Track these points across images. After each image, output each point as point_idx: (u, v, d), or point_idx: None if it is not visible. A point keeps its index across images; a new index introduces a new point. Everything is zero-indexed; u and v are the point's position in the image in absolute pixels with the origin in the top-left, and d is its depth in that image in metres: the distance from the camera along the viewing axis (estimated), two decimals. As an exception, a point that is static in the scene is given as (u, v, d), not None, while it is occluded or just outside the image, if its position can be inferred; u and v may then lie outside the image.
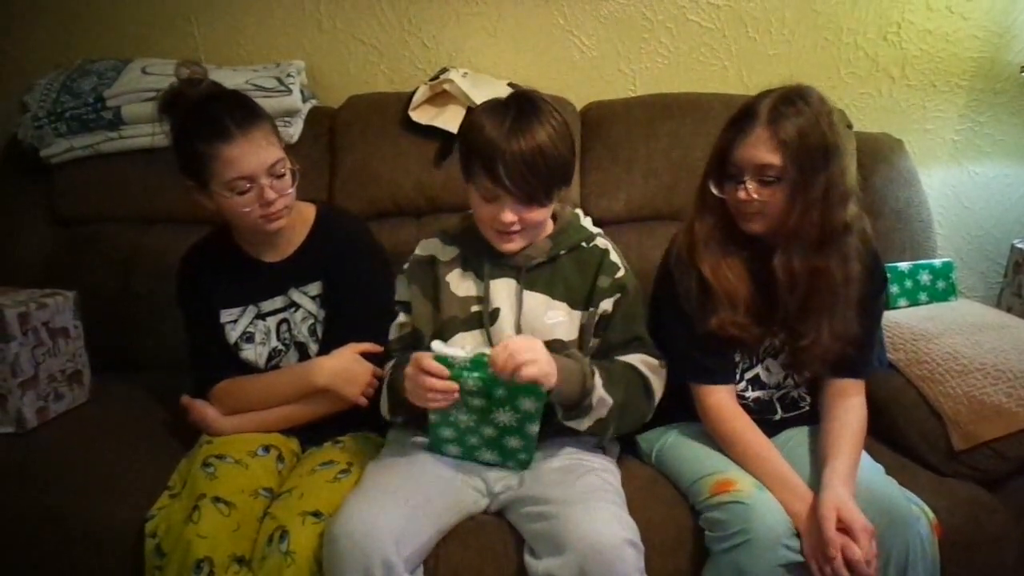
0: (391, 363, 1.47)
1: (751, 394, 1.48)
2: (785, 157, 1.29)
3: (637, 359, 1.42)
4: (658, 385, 1.43)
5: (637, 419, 1.43)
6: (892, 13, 2.14)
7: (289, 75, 2.01)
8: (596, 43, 2.18)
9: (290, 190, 1.47)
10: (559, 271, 1.45)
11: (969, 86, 2.20)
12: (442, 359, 1.25)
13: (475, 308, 1.43)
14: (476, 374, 1.25)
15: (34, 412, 1.62)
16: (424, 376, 1.25)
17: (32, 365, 1.61)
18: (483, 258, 1.44)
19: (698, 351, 1.42)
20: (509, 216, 1.35)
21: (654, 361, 1.43)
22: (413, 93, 1.99)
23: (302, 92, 2.02)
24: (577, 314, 1.44)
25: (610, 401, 1.34)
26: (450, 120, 1.94)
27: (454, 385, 1.25)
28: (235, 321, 1.56)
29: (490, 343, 1.40)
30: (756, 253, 1.39)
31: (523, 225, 1.38)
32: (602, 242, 1.49)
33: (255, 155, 1.41)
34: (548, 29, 2.17)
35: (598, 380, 1.33)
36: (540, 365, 1.22)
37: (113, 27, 2.18)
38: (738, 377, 1.47)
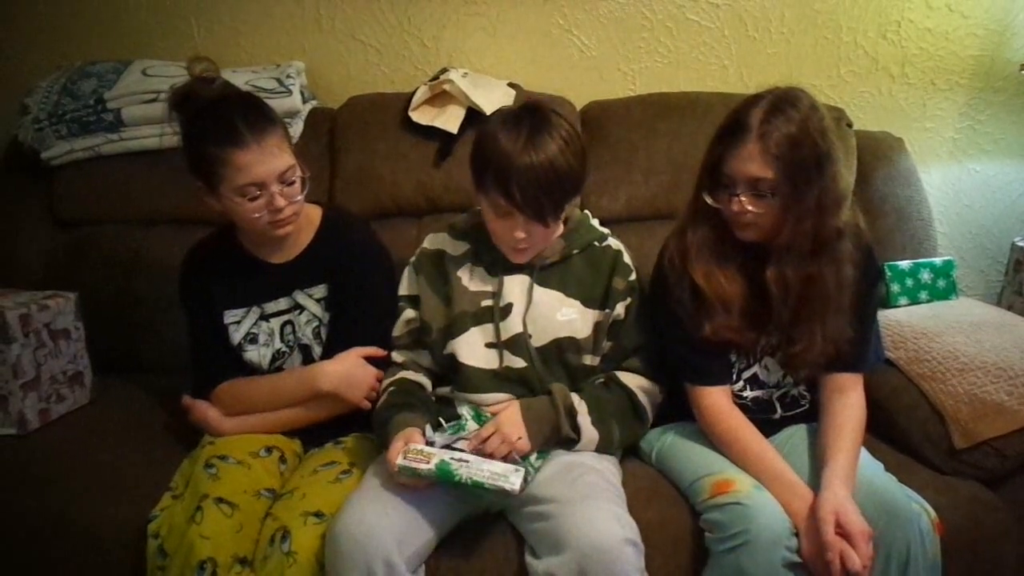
0: (386, 382, 1.48)
1: (749, 393, 1.48)
2: (778, 171, 1.27)
3: (636, 384, 1.46)
4: (651, 410, 1.48)
5: (629, 442, 1.50)
6: (892, 11, 2.14)
7: (289, 76, 2.01)
8: (596, 43, 2.18)
9: (299, 197, 1.45)
10: (572, 269, 1.47)
11: (969, 84, 2.20)
12: (409, 471, 1.26)
13: (486, 303, 1.45)
14: (445, 481, 1.26)
15: (36, 413, 1.62)
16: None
17: (33, 367, 1.61)
18: (496, 254, 1.46)
19: (693, 353, 1.42)
20: (521, 234, 1.37)
21: (653, 388, 1.47)
22: (413, 93, 1.99)
23: (302, 93, 2.02)
24: (591, 313, 1.46)
25: (596, 436, 1.40)
26: (450, 120, 1.94)
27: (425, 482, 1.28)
28: (239, 322, 1.55)
29: (499, 337, 1.43)
30: (750, 258, 1.38)
31: (534, 241, 1.40)
32: (614, 242, 1.52)
33: (267, 162, 1.40)
34: (548, 29, 2.17)
35: (584, 419, 1.39)
36: (525, 441, 1.33)
37: (113, 28, 2.18)
38: (735, 377, 1.47)
